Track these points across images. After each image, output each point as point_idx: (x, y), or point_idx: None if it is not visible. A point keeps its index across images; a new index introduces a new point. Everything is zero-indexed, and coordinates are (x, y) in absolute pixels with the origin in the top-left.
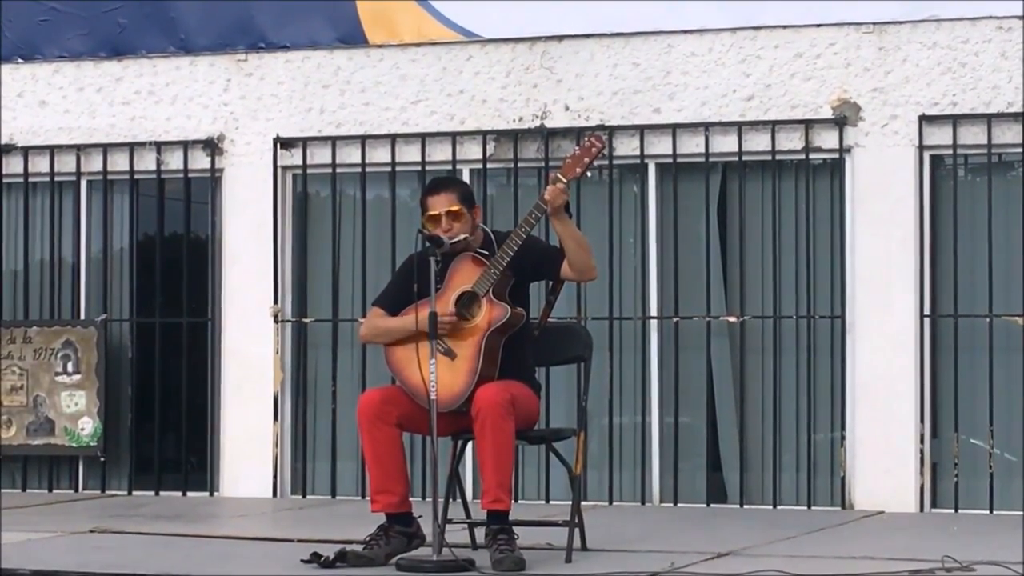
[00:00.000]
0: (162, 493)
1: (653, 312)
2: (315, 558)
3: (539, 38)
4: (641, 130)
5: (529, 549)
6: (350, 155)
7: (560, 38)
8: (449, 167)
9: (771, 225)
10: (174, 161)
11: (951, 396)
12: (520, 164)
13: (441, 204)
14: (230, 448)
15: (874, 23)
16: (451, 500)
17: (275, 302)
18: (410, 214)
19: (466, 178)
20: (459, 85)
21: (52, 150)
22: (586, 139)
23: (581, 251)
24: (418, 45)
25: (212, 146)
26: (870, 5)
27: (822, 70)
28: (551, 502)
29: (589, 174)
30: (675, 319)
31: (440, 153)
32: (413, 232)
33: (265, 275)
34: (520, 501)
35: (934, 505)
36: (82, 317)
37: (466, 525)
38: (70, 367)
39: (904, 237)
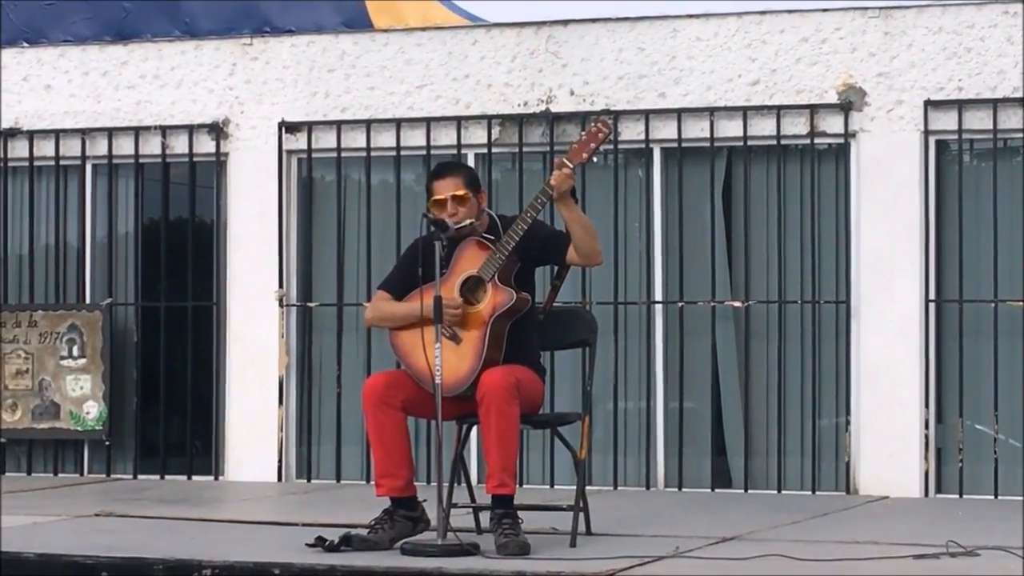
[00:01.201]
0: (167, 477)
1: (658, 297)
2: (320, 542)
3: (544, 23)
4: (646, 115)
5: (534, 533)
6: (355, 139)
7: (565, 23)
8: (454, 151)
9: (776, 210)
10: (179, 145)
11: (956, 381)
12: (525, 149)
13: (447, 188)
14: (235, 432)
15: (880, 7)
16: (456, 484)
17: (280, 286)
18: (415, 198)
19: (471, 163)
20: (464, 70)
21: (57, 134)
22: (593, 124)
23: (587, 236)
24: (423, 29)
25: (217, 130)
26: None
27: (827, 55)
28: (556, 486)
29: (595, 159)
30: (680, 304)
31: (445, 137)
32: (418, 216)
33: (270, 259)
34: (525, 485)
35: (938, 490)
36: (87, 301)
37: (471, 509)
38: (75, 351)
39: (909, 222)
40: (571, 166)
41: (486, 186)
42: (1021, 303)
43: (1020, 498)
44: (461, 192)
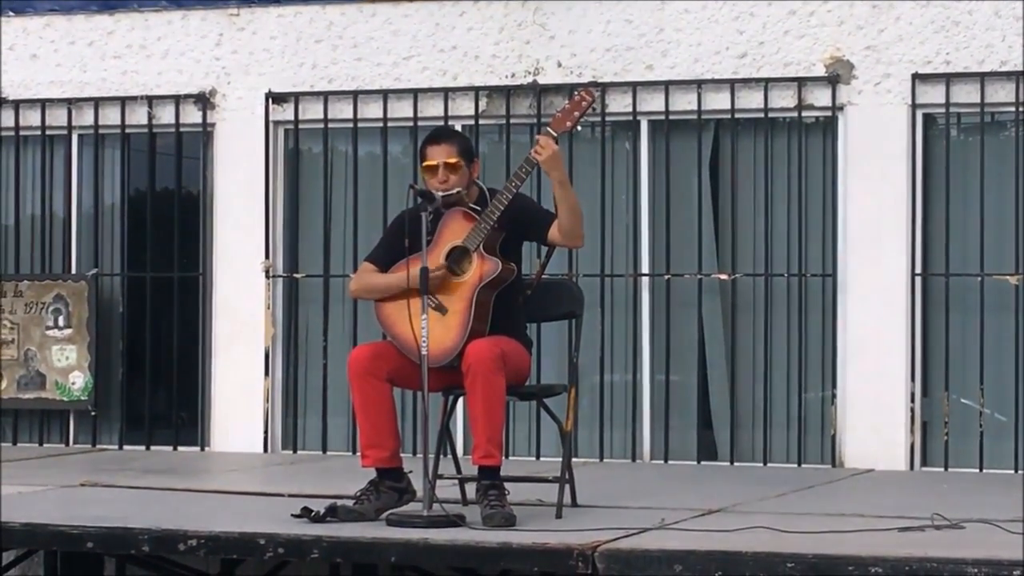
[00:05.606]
0: (153, 447)
1: (645, 269)
2: (305, 513)
3: None
4: (634, 87)
5: (519, 505)
6: (342, 111)
7: None
8: (441, 123)
9: (763, 183)
10: (165, 116)
11: (942, 355)
12: (512, 120)
13: (440, 155)
14: (221, 403)
15: None
16: (442, 456)
17: (266, 257)
18: (401, 170)
19: None
20: (452, 41)
21: (43, 104)
22: (577, 93)
23: (574, 219)
24: (411, 1)
25: (204, 101)
26: None
27: (815, 28)
28: (542, 458)
29: (580, 128)
30: (667, 276)
31: (432, 109)
32: (405, 188)
33: (256, 230)
34: (511, 457)
35: (924, 463)
36: (73, 271)
37: (457, 481)
38: (61, 321)
39: (896, 196)
40: (554, 135)
41: None
42: (1008, 277)
43: (1006, 471)
44: (453, 160)
